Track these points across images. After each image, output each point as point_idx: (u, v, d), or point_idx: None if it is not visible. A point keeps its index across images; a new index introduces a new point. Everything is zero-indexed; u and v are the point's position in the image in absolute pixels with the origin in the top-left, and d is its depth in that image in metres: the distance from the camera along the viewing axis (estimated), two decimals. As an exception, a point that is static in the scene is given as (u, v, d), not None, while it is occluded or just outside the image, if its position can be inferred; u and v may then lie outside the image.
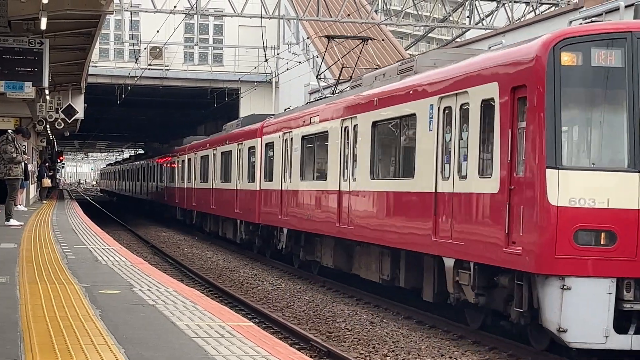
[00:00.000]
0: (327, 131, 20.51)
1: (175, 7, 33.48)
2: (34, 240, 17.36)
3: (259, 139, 27.19)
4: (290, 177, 23.48)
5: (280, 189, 24.32)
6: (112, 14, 26.14)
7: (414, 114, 15.57)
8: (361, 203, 18.15)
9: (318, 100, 23.80)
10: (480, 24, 37.10)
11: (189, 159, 40.76)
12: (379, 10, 43.37)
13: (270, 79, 52.38)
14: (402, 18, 39.31)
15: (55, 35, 23.01)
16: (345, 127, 19.26)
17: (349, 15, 35.57)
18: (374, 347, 13.79)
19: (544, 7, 36.79)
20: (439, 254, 14.56)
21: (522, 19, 35.36)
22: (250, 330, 8.14)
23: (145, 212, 58.89)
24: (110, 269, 13.02)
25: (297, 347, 13.50)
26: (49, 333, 7.55)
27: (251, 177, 28.09)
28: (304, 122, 22.40)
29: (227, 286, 21.45)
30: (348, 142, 19.10)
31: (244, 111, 52.82)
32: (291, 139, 23.49)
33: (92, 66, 41.81)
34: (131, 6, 35.95)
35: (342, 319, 16.32)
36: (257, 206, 26.67)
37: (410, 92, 15.83)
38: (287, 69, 45.10)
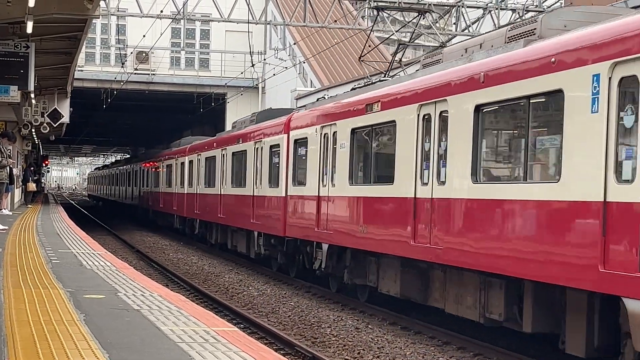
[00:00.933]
0: (393, 121, 15.76)
1: (162, 11, 33.43)
2: (18, 244, 17.29)
3: (285, 135, 22.60)
4: (333, 180, 18.83)
5: (317, 194, 19.69)
6: (99, 18, 26.09)
7: (561, 90, 11.03)
8: (452, 214, 13.51)
9: (369, 84, 18.55)
10: (466, 31, 37.18)
11: (191, 161, 36.93)
12: (366, 17, 43.43)
13: (256, 85, 52.38)
14: (389, 24, 39.26)
15: (41, 39, 22.95)
16: (426, 115, 14.62)
17: (335, 21, 35.60)
18: (359, 353, 13.78)
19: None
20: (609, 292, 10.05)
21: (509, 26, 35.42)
22: (235, 336, 8.13)
23: (137, 220, 54.33)
24: (95, 273, 12.97)
25: (282, 352, 13.50)
26: (33, 337, 7.51)
27: (274, 181, 23.72)
28: (356, 110, 17.66)
29: (212, 291, 21.41)
30: (429, 135, 14.50)
31: (230, 116, 52.81)
32: (334, 132, 18.80)
33: (78, 70, 41.70)
34: (118, 10, 35.82)
35: (328, 325, 16.31)
36: (283, 216, 22.29)
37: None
38: (274, 75, 45.10)
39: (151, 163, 49.21)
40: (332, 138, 18.87)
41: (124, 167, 66.11)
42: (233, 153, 28.97)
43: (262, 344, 8.15)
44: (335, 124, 18.67)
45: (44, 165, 77.78)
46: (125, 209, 63.80)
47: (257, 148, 25.58)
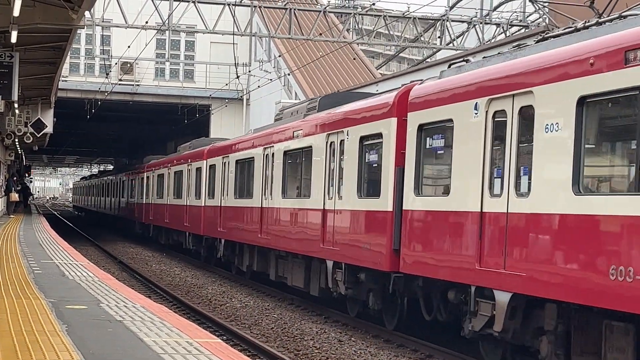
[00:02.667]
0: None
1: (146, 22, 33.42)
2: (0, 254, 17.21)
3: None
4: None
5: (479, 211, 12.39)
6: (83, 28, 26.08)
7: None
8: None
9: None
10: (451, 45, 37.32)
11: (212, 166, 29.59)
12: (351, 30, 43.56)
13: (241, 96, 52.39)
14: (374, 37, 39.46)
15: (25, 48, 22.88)
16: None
17: (320, 34, 35.67)
18: (341, 366, 13.75)
19: (514, 28, 37.09)
20: None
21: (493, 40, 35.61)
22: (218, 347, 8.11)
23: (124, 232, 51.72)
24: (77, 284, 12.93)
25: (264, 364, 13.45)
26: (15, 348, 7.48)
27: (373, 191, 16.06)
28: None
29: (195, 303, 21.35)
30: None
31: (215, 128, 52.81)
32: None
33: (62, 80, 41.61)
34: (102, 21, 35.79)
35: (311, 337, 16.29)
36: (389, 242, 15.07)
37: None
38: (259, 86, 45.12)
39: (153, 170, 42.63)
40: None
41: (118, 175, 57.36)
42: (286, 152, 21.32)
43: (245, 356, 8.13)
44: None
45: (26, 175, 77.46)
46: (117, 223, 57.18)
47: (333, 142, 18.03)
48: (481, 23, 36.28)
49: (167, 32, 35.67)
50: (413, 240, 14.18)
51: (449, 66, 14.22)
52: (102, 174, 76.01)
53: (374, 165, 15.97)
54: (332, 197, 17.68)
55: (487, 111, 12.09)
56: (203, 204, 30.25)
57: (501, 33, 36.95)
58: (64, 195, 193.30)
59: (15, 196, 42.68)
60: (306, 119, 20.07)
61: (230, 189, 26.66)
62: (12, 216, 40.28)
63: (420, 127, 14.04)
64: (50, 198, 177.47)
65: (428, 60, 44.15)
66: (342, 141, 17.32)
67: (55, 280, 13.33)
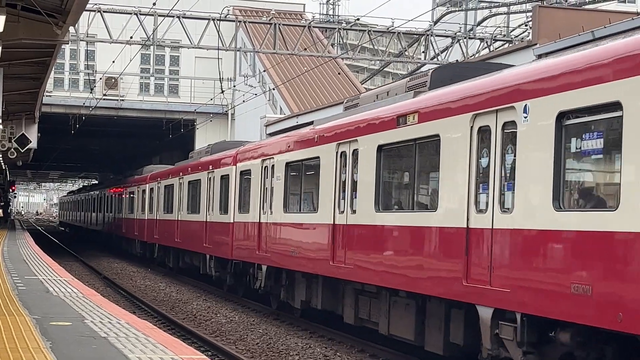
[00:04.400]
0: None
1: (131, 37, 33.42)
2: (-16, 270, 17.14)
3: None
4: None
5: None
6: (68, 43, 26.05)
7: None
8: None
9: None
10: (435, 59, 37.47)
11: (245, 172, 23.62)
12: (336, 44, 43.65)
13: (226, 111, 52.39)
14: (358, 52, 39.59)
15: (9, 64, 22.84)
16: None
17: (305, 49, 35.75)
18: (327, 381, 13.73)
19: (497, 43, 37.28)
20: None
21: (477, 55, 35.78)
22: (203, 363, 8.08)
23: (119, 253, 47.45)
24: (61, 300, 12.87)
25: (250, 380, 13.41)
26: (-2, 365, 7.43)
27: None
28: None
29: (180, 318, 21.29)
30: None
31: (200, 142, 52.76)
32: None
33: (47, 95, 41.54)
34: (87, 36, 35.76)
35: (296, 352, 16.26)
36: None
37: None
38: (244, 101, 45.14)
39: (158, 180, 36.70)
40: None
41: (117, 187, 50.05)
42: (382, 147, 15.20)
43: (230, 372, 8.12)
44: None
45: (10, 190, 77.17)
46: (110, 242, 51.70)
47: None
48: (465, 38, 36.44)
49: (151, 47, 35.69)
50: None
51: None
52: (93, 187, 69.05)
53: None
54: (484, 211, 11.93)
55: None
56: (232, 220, 24.16)
57: (485, 48, 37.14)
58: (48, 210, 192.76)
59: (-1, 212, 42.50)
60: (420, 98, 14.25)
61: (277, 200, 20.23)
62: (-5, 232, 40.09)
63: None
64: (34, 213, 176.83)
65: (413, 74, 44.28)
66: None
67: (39, 296, 13.27)
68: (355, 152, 16.08)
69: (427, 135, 13.47)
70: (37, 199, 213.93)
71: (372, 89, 18.70)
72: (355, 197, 15.93)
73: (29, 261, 21.66)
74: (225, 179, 25.43)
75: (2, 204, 70.33)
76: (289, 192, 19.93)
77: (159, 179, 36.44)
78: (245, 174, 23.44)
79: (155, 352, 8.52)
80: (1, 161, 45.59)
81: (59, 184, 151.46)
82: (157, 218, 36.00)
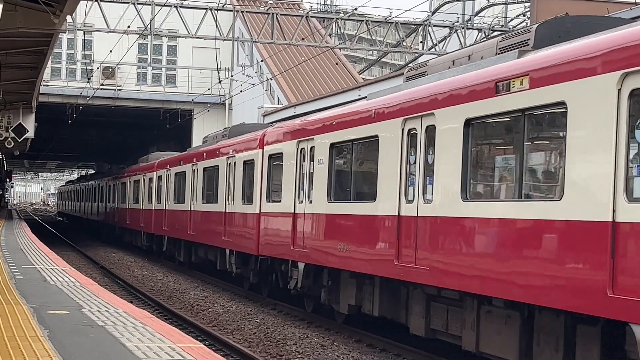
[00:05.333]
0: None
1: (128, 27, 33.34)
2: (-19, 260, 17.14)
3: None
4: None
5: None
6: (65, 32, 26.02)
7: None
8: None
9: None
10: (433, 50, 37.43)
11: (275, 156, 20.84)
12: (333, 34, 43.57)
13: (223, 101, 52.34)
14: (356, 42, 39.53)
15: (6, 53, 22.81)
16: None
17: (303, 39, 35.69)
18: (324, 370, 13.76)
19: (495, 33, 37.25)
20: None
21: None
22: (201, 352, 8.09)
23: (103, 237, 48.83)
24: (59, 289, 12.88)
25: (247, 369, 13.44)
26: (-4, 354, 7.43)
27: None
28: None
29: (178, 308, 21.30)
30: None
31: (197, 132, 52.73)
32: None
33: (44, 85, 41.45)
34: (84, 25, 35.68)
35: (293, 342, 16.28)
36: None
37: None
38: (241, 91, 45.09)
39: (167, 168, 34.26)
40: None
41: (112, 177, 49.43)
42: (467, 121, 12.62)
43: (227, 361, 8.13)
44: None
45: (7, 180, 77.08)
46: (110, 233, 49.31)
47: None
48: (463, 28, 36.40)
49: (149, 36, 35.62)
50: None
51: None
52: (93, 176, 66.67)
53: None
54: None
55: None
56: (258, 211, 21.51)
57: (483, 38, 37.09)
58: (46, 200, 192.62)
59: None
60: (528, 59, 11.64)
61: (319, 187, 17.53)
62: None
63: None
64: (31, 204, 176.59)
65: (410, 65, 44.24)
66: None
67: (36, 285, 13.27)
68: (430, 129, 13.27)
69: (545, 103, 10.77)
70: (34, 189, 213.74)
71: (434, 58, 14.88)
72: (430, 184, 13.17)
73: (27, 250, 21.65)
74: (249, 164, 22.73)
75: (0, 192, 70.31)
76: (334, 178, 17.09)
77: (168, 166, 33.77)
78: (275, 158, 20.68)
79: (152, 340, 8.52)
80: (-2, 151, 45.53)
81: (56, 173, 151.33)
82: (166, 208, 33.50)
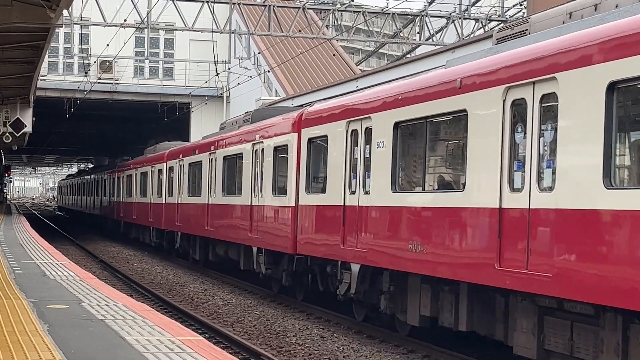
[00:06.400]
0: None
1: (125, 20, 33.30)
2: (-20, 255, 17.14)
3: None
4: None
5: None
6: (62, 27, 25.96)
7: None
8: None
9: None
10: (430, 40, 37.41)
11: (316, 139, 18.17)
12: (330, 26, 43.56)
13: (221, 94, 52.32)
14: (353, 34, 39.50)
15: (3, 48, 22.77)
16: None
17: (300, 30, 35.66)
18: (324, 362, 13.78)
19: (492, 23, 37.21)
20: None
21: (472, 35, 35.71)
22: (201, 345, 8.10)
23: (103, 231, 49.43)
24: (58, 283, 12.88)
25: (247, 361, 13.46)
26: (-4, 348, 7.44)
27: None
28: None
29: (177, 301, 21.32)
30: None
31: (195, 125, 52.72)
32: None
33: (41, 79, 41.42)
34: (81, 19, 35.65)
35: (293, 334, 16.30)
36: None
37: None
38: (239, 84, 45.06)
39: (180, 158, 31.65)
40: None
41: (116, 169, 47.01)
42: (611, 86, 9.97)
43: (227, 353, 8.13)
44: None
45: (6, 175, 77.04)
46: (112, 229, 47.33)
47: None
48: (460, 18, 36.37)
49: (145, 30, 35.57)
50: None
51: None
52: (95, 169, 64.50)
53: None
54: None
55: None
56: (293, 204, 18.78)
57: (480, 28, 37.08)
58: (44, 194, 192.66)
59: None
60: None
61: (379, 175, 14.92)
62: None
63: None
64: (31, 199, 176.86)
65: (408, 56, 44.20)
66: None
67: (36, 280, 13.28)
68: (548, 99, 10.72)
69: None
70: (33, 184, 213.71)
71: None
72: (549, 167, 10.63)
73: (26, 245, 21.65)
74: (281, 150, 19.93)
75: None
76: (400, 164, 14.53)
77: (180, 155, 31.16)
78: (316, 143, 17.97)
79: (152, 334, 8.53)
80: (-4, 146, 45.50)
81: (54, 168, 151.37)
82: (179, 202, 30.89)
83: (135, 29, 35.29)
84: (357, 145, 15.80)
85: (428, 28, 36.99)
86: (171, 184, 32.73)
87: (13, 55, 24.74)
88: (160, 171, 34.85)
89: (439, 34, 37.32)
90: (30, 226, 33.94)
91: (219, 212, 25.32)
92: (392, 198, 14.38)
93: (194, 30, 34.56)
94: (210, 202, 26.42)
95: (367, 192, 15.29)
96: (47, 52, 26.44)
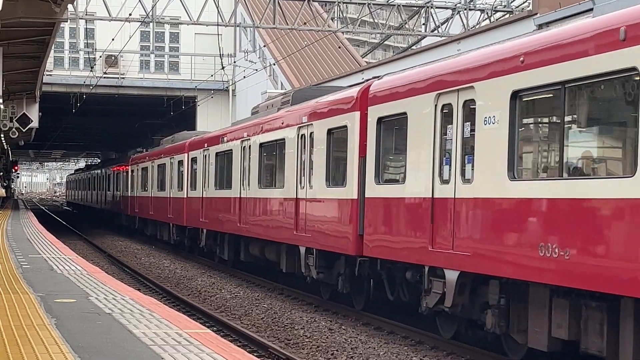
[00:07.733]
0: None
1: (130, 14, 33.30)
2: (-12, 250, 17.17)
3: None
4: None
5: None
6: (67, 21, 26.00)
7: None
8: None
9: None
10: (435, 32, 37.32)
11: (396, 118, 15.14)
12: (335, 18, 43.49)
13: (227, 87, 52.32)
14: (359, 26, 39.43)
15: (8, 43, 22.78)
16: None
17: (305, 23, 35.61)
18: (332, 354, 13.79)
19: (498, 14, 37.11)
20: None
21: (477, 27, 35.63)
22: (208, 338, 8.11)
23: (108, 225, 51.27)
24: (65, 278, 12.90)
25: (255, 354, 13.47)
26: (4, 342, 7.46)
27: None
28: None
29: (185, 294, 21.34)
30: None
31: (201, 119, 52.73)
32: None
33: (47, 75, 41.47)
34: (86, 14, 35.65)
35: (301, 326, 16.31)
36: None
37: None
38: (244, 77, 45.05)
39: (205, 147, 28.82)
40: None
41: (133, 162, 43.66)
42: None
43: (235, 346, 8.14)
44: None
45: (13, 170, 77.17)
46: (141, 227, 41.75)
47: None
48: (465, 9, 36.27)
49: (151, 24, 35.57)
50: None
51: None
52: (106, 162, 61.06)
53: None
54: None
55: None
56: (355, 196, 16.09)
57: (486, 19, 36.98)
58: (51, 190, 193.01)
59: (1, 192, 42.60)
60: None
61: (489, 160, 11.92)
62: (-1, 212, 40.18)
63: None
64: (38, 194, 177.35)
65: (413, 47, 44.12)
66: None
67: (43, 274, 13.30)
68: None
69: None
70: (40, 179, 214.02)
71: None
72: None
73: (33, 240, 21.69)
74: (337, 133, 17.26)
75: (5, 184, 70.40)
76: (520, 146, 11.48)
77: (205, 145, 28.38)
78: (388, 122, 15.15)
79: (159, 327, 8.54)
80: (3, 141, 45.58)
81: (61, 163, 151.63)
82: (204, 196, 28.21)
83: (140, 23, 35.28)
84: (450, 124, 12.92)
85: (433, 19, 36.89)
86: (194, 177, 30.05)
87: (19, 51, 24.77)
88: (180, 162, 32.12)
89: (445, 25, 37.23)
90: (37, 221, 34.00)
91: (253, 206, 22.63)
92: (506, 189, 11.44)
93: (199, 24, 34.53)
94: (243, 196, 23.70)
95: (466, 181, 12.44)
96: (53, 47, 26.46)
